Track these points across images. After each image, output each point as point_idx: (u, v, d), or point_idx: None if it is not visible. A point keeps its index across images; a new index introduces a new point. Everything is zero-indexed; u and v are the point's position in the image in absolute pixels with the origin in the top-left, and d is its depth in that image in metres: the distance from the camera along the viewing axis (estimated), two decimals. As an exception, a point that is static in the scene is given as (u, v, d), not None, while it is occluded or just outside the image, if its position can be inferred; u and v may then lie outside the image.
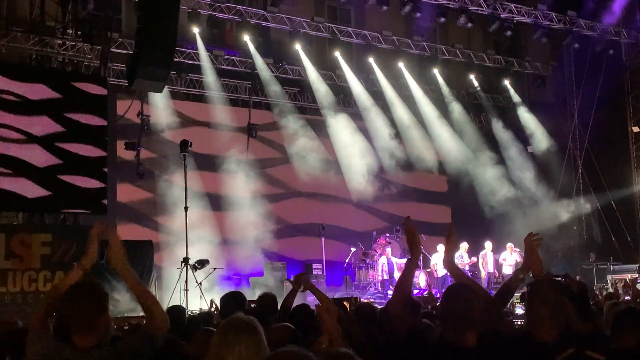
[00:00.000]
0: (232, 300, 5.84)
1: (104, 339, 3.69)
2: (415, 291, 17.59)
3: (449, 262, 4.76)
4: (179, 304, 12.26)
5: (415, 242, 4.34)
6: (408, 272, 4.42)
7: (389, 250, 18.69)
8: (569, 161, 22.87)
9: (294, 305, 6.45)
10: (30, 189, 15.85)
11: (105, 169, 17.03)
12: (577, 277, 12.80)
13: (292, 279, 6.91)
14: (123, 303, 12.25)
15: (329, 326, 4.06)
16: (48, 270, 14.57)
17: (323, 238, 19.23)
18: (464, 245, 18.20)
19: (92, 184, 16.65)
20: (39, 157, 16.10)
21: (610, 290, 15.63)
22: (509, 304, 11.84)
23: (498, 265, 18.88)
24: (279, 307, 6.52)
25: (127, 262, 3.93)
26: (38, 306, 4.11)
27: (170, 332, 4.11)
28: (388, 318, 4.84)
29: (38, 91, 16.32)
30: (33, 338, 3.88)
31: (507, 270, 18.13)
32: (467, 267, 17.87)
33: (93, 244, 4.04)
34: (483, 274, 18.58)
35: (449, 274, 5.01)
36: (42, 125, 16.24)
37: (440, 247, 18.23)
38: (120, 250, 3.90)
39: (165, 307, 4.44)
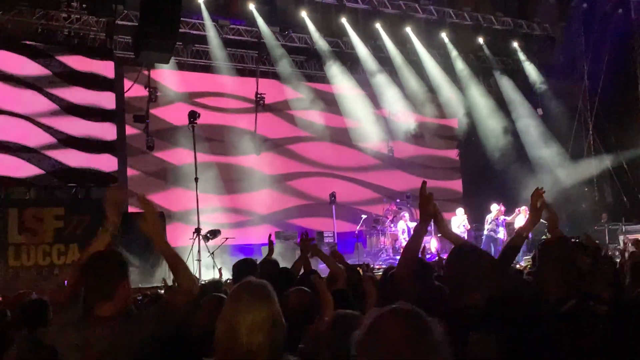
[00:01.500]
0: (244, 267, 5.85)
1: (124, 307, 3.69)
2: (427, 256, 17.66)
3: (445, 233, 4.74)
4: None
5: (427, 207, 4.22)
6: (416, 237, 4.32)
7: (407, 215, 18.76)
8: (579, 123, 22.72)
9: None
10: (41, 163, 15.97)
11: (115, 142, 17.11)
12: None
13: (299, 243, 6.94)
14: (135, 275, 12.37)
15: (324, 296, 4.10)
16: (61, 244, 14.69)
17: (334, 206, 19.27)
18: (460, 211, 18.28)
19: (102, 157, 16.75)
20: (47, 131, 16.19)
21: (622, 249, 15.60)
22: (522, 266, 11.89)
23: (510, 230, 18.85)
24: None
25: (158, 222, 3.94)
26: (67, 276, 4.13)
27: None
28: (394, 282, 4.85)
29: (46, 65, 16.36)
30: (59, 309, 3.91)
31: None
32: (465, 235, 17.84)
33: (110, 208, 4.06)
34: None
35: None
36: (50, 98, 16.31)
37: (459, 211, 18.37)
38: (151, 211, 3.90)
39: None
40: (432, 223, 15.81)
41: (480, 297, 3.62)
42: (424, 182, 4.29)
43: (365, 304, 4.57)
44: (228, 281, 7.99)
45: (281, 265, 6.96)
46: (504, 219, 18.20)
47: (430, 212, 4.24)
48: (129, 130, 18.15)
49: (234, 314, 3.00)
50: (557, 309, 3.30)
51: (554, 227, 4.68)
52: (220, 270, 11.89)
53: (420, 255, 5.12)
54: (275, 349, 3.00)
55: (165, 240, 3.96)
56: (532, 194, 4.60)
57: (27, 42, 16.36)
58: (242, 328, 2.95)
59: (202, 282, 10.57)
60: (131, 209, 12.71)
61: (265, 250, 17.52)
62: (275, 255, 7.45)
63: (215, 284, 6.23)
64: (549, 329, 3.16)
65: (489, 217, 18.23)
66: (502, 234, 18.02)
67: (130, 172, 18.12)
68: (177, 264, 3.88)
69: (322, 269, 9.41)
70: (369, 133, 21.17)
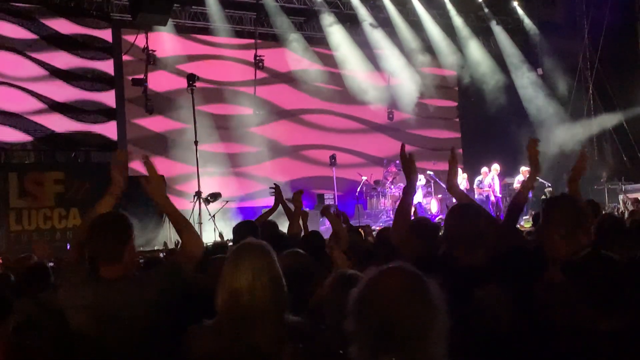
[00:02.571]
0: (245, 229, 5.85)
1: (130, 269, 3.71)
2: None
3: (452, 186, 4.75)
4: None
5: (410, 170, 4.33)
6: (404, 200, 4.42)
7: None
8: (579, 82, 22.60)
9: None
10: (40, 128, 15.99)
11: (114, 106, 17.09)
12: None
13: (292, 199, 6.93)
14: (136, 239, 12.40)
15: (337, 256, 4.13)
16: (62, 208, 14.76)
17: (334, 168, 19.29)
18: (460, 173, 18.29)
19: (102, 120, 16.74)
20: (45, 95, 16.19)
21: (622, 209, 15.61)
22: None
23: (511, 190, 18.90)
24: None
25: (162, 184, 3.98)
26: (73, 239, 4.16)
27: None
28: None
29: (42, 27, 16.29)
30: (67, 271, 3.94)
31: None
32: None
33: (115, 170, 4.08)
34: (492, 199, 18.53)
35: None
36: (48, 61, 16.30)
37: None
38: (154, 173, 3.92)
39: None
40: (431, 184, 15.84)
41: (480, 255, 3.65)
42: (403, 145, 4.47)
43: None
44: (230, 244, 8.03)
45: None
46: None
47: (413, 172, 4.34)
48: (128, 94, 18.08)
49: (234, 275, 3.02)
50: (571, 260, 3.30)
51: (579, 173, 4.69)
52: (221, 234, 11.93)
53: (413, 216, 5.17)
54: (277, 309, 3.03)
55: (169, 202, 3.97)
56: (528, 144, 4.53)
57: (24, 5, 16.26)
58: (242, 288, 2.97)
59: (206, 245, 10.63)
60: (131, 174, 12.71)
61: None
62: (275, 218, 7.44)
63: (220, 246, 6.24)
64: (565, 278, 3.17)
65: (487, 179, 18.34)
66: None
67: (129, 136, 18.10)
68: (184, 226, 3.90)
69: (323, 230, 9.46)
70: (368, 95, 21.09)
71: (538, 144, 4.58)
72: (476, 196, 17.79)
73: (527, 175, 4.79)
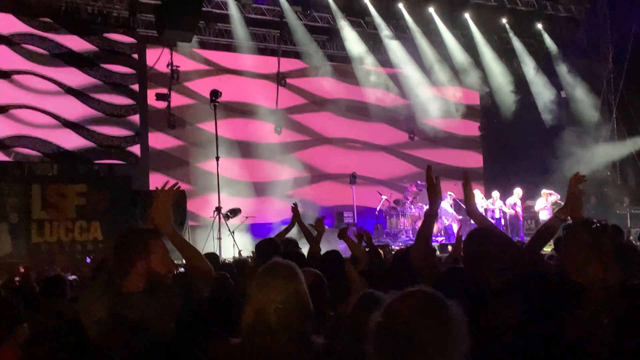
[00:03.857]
0: (268, 247, 5.85)
1: (148, 283, 3.71)
2: (440, 238, 17.71)
3: (471, 211, 4.72)
4: (213, 252, 12.41)
5: (434, 192, 4.27)
6: (428, 221, 4.35)
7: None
8: (603, 106, 22.47)
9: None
10: (63, 140, 16.15)
11: (137, 120, 17.23)
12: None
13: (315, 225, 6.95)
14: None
15: (354, 278, 4.13)
16: (84, 220, 14.84)
17: (354, 186, 19.28)
18: (477, 192, 18.22)
19: (124, 134, 16.88)
20: (70, 108, 16.35)
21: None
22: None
23: (532, 214, 18.86)
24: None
25: (170, 216, 3.95)
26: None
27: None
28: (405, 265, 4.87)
29: (68, 42, 16.49)
30: (86, 283, 3.97)
31: (545, 216, 17.98)
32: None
33: (157, 210, 3.96)
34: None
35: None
36: (73, 76, 16.46)
37: (477, 192, 18.37)
38: (163, 206, 3.92)
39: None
40: (452, 205, 15.75)
41: (499, 278, 3.62)
42: (429, 166, 4.36)
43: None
44: (249, 259, 8.04)
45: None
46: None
47: (438, 195, 4.29)
48: (151, 107, 18.21)
49: (262, 294, 3.02)
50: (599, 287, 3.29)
51: (579, 213, 4.59)
52: (240, 252, 11.95)
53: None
54: (303, 329, 3.03)
55: (177, 234, 3.97)
56: (571, 179, 4.43)
57: (50, 20, 16.47)
58: (270, 309, 2.97)
59: (225, 260, 10.65)
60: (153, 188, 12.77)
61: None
62: (293, 235, 7.44)
63: (239, 263, 6.27)
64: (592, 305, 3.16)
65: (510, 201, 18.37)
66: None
67: (151, 149, 18.21)
68: (189, 254, 3.97)
69: (342, 249, 9.44)
70: (390, 114, 21.14)
71: (583, 181, 4.43)
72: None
73: (565, 204, 4.56)
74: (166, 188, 4.00)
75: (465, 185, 4.72)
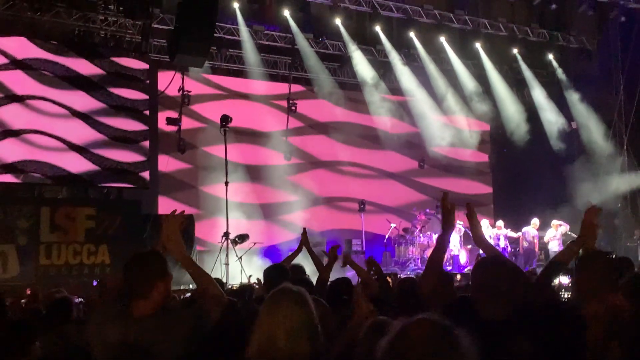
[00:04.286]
0: (276, 273, 5.81)
1: (160, 307, 3.69)
2: (449, 268, 17.60)
3: (478, 240, 4.69)
4: (219, 277, 12.39)
5: (450, 218, 4.25)
6: (439, 248, 4.34)
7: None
8: (614, 137, 22.43)
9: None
10: (73, 164, 16.16)
11: (147, 144, 17.27)
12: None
13: (328, 252, 6.88)
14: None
15: (361, 302, 4.08)
16: (92, 244, 14.85)
17: (363, 214, 19.24)
18: (485, 222, 18.19)
19: (134, 158, 16.91)
20: (81, 131, 16.40)
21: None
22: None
23: (542, 244, 18.76)
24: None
25: (181, 241, 3.95)
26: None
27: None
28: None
29: (80, 66, 16.58)
30: (96, 307, 3.95)
31: (554, 247, 17.90)
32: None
33: (169, 237, 4.00)
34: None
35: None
36: (85, 99, 16.52)
37: (484, 222, 18.33)
38: (173, 233, 3.92)
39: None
40: (461, 235, 15.78)
41: (507, 308, 3.58)
42: (446, 193, 4.35)
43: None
44: (256, 285, 7.99)
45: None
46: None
47: (451, 223, 4.26)
48: (161, 130, 18.26)
49: (272, 320, 3.00)
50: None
51: (592, 244, 4.53)
52: (249, 278, 11.92)
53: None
54: (314, 355, 2.99)
55: (186, 256, 3.99)
56: (587, 212, 4.39)
57: (60, 45, 16.57)
58: (281, 334, 2.94)
59: (231, 287, 10.60)
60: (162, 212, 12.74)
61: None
62: (302, 262, 7.39)
63: (244, 289, 6.23)
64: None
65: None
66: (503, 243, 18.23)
67: (160, 172, 18.23)
68: (201, 278, 3.95)
69: (351, 275, 9.38)
70: (400, 142, 21.17)
71: (599, 214, 4.38)
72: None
73: (579, 236, 4.47)
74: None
75: (470, 216, 4.67)
